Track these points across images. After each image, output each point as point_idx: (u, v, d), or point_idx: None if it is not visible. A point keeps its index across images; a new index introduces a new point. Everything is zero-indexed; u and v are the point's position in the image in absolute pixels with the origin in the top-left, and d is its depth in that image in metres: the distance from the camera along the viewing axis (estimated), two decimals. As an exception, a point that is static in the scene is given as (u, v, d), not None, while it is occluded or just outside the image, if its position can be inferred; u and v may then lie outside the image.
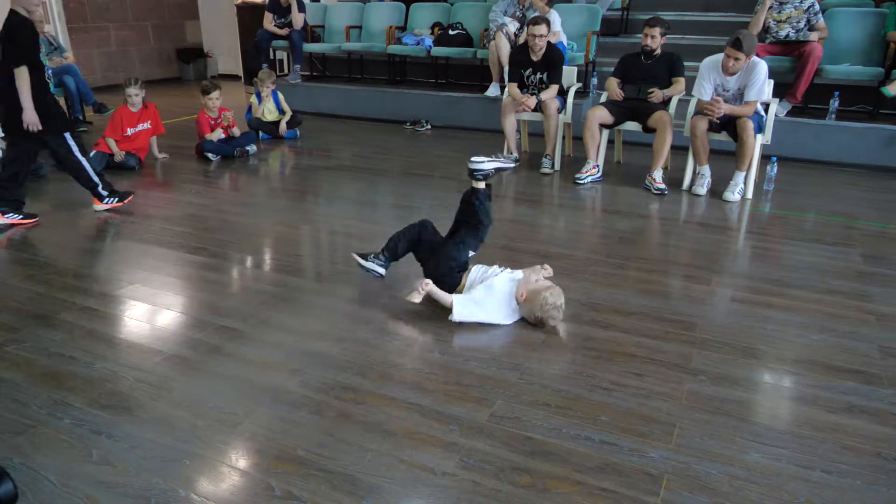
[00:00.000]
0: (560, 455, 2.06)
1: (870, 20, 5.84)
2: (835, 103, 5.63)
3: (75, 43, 9.42)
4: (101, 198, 4.32)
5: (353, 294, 3.19)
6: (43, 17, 6.80)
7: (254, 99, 6.58)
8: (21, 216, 4.14)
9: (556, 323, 2.81)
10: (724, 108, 4.52)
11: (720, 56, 4.53)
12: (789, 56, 5.67)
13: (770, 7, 5.71)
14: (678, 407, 2.30)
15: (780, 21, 5.72)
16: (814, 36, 5.60)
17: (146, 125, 5.57)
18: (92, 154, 5.31)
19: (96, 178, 4.26)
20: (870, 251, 3.75)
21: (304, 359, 2.60)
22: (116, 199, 4.37)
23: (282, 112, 6.62)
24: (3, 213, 4.07)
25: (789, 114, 5.79)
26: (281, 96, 6.61)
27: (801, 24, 5.66)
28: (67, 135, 4.09)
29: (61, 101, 6.85)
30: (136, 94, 5.45)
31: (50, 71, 4.03)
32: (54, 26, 9.07)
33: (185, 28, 11.36)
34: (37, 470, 1.99)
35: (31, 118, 3.86)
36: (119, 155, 5.36)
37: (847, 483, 1.95)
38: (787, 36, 5.70)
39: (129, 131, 5.46)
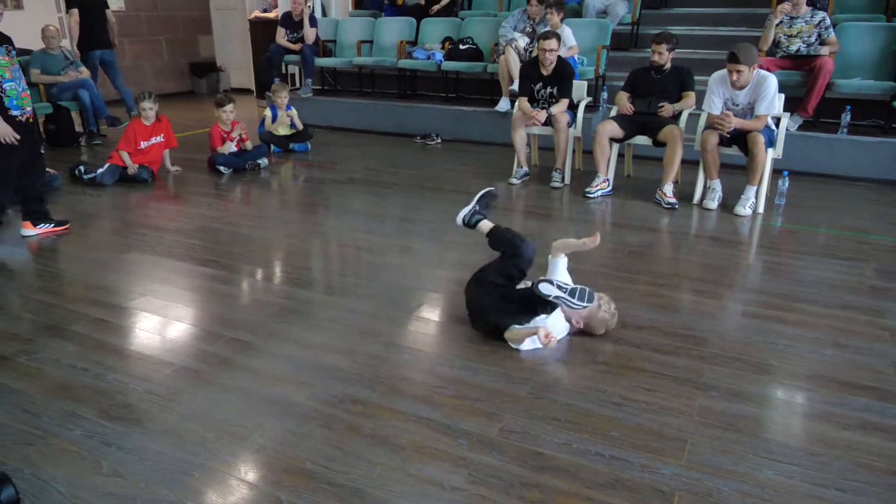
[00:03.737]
0: (570, 470, 2.04)
1: (881, 34, 5.82)
2: (846, 118, 5.60)
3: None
4: None
5: (363, 307, 3.19)
6: (57, 33, 6.89)
7: (267, 112, 6.63)
8: (52, 224, 4.20)
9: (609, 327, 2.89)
10: (735, 123, 4.51)
11: (728, 71, 4.54)
12: (800, 70, 5.66)
13: (780, 22, 5.71)
14: (689, 422, 2.28)
15: (790, 36, 5.72)
16: (825, 50, 5.60)
17: (159, 138, 5.62)
18: (106, 167, 5.38)
19: None
20: (883, 266, 3.72)
21: (313, 372, 2.60)
22: None
23: (294, 127, 6.66)
24: (35, 224, 4.13)
25: (800, 128, 5.77)
26: (294, 111, 6.65)
27: (812, 39, 5.66)
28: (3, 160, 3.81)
29: (75, 115, 6.99)
30: (149, 108, 5.51)
31: (8, 86, 3.75)
32: (70, 41, 9.19)
33: (199, 43, 11.49)
34: (46, 481, 1.99)
35: (3, 131, 3.72)
36: (132, 168, 5.42)
37: (862, 501, 1.92)
38: (798, 50, 5.69)
39: (143, 144, 5.52)
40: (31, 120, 3.95)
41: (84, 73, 7.08)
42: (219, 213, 4.74)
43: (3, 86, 3.74)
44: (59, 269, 3.74)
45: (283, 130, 6.62)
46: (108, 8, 7.88)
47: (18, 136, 3.77)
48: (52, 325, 3.00)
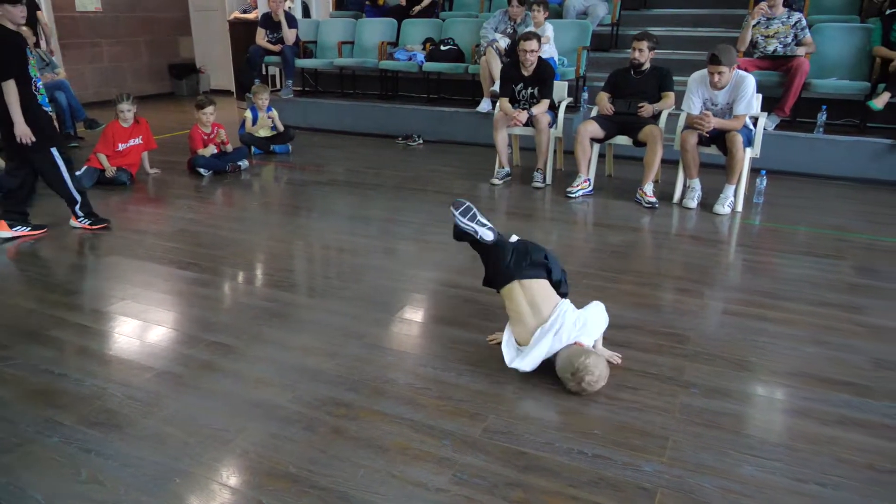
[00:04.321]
0: (554, 470, 2.05)
1: (856, 35, 5.91)
2: (822, 117, 5.68)
3: (67, 59, 9.42)
4: (76, 216, 4.30)
5: (346, 309, 3.18)
6: (31, 34, 6.78)
7: (248, 113, 6.58)
8: (29, 228, 4.19)
9: (576, 385, 2.42)
10: (714, 122, 4.56)
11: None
12: (777, 70, 5.73)
13: (758, 23, 5.78)
14: (672, 420, 2.30)
15: (767, 36, 5.79)
16: (801, 51, 5.67)
17: (138, 140, 5.56)
18: (83, 170, 5.30)
19: (77, 196, 4.22)
20: (861, 263, 3.77)
21: (296, 374, 2.59)
22: (89, 221, 4.31)
23: (274, 129, 6.61)
24: (11, 226, 4.11)
25: (778, 127, 5.84)
26: (275, 113, 6.59)
27: (789, 40, 5.73)
28: (54, 150, 4.03)
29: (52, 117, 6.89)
30: (128, 110, 5.45)
31: (40, 83, 4.00)
32: (47, 42, 9.06)
33: (178, 44, 11.39)
34: (24, 489, 1.96)
35: (21, 131, 3.82)
36: (110, 170, 5.35)
37: (841, 496, 1.95)
38: (775, 51, 5.77)
39: (121, 147, 5.45)
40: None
41: (61, 74, 6.99)
42: (199, 216, 4.70)
43: (38, 84, 3.95)
44: (37, 274, 3.68)
45: (263, 132, 6.58)
46: (39, 10, 7.72)
47: (50, 133, 4.05)
48: (30, 330, 2.96)
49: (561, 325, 2.52)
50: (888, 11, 5.73)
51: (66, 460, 2.09)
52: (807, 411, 2.36)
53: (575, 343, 2.51)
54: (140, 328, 3.00)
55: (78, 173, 5.26)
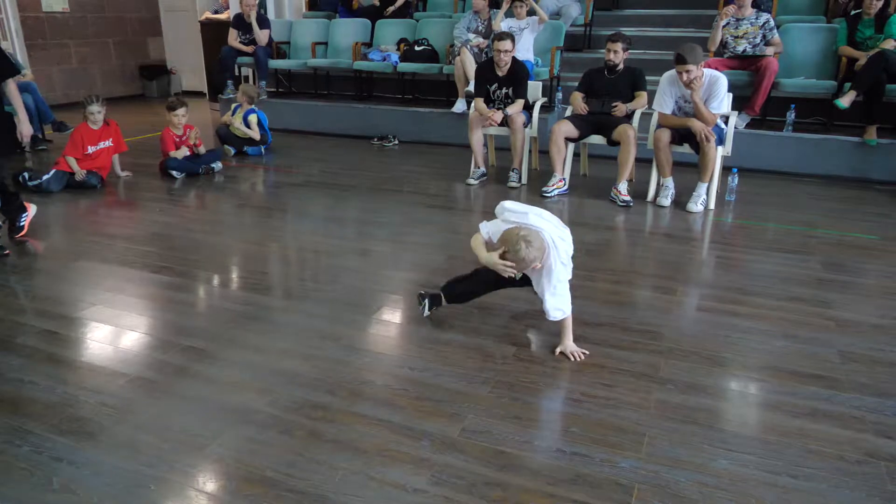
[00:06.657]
0: (532, 468, 2.06)
1: (822, 35, 6.04)
2: (791, 115, 5.79)
3: (34, 60, 9.24)
4: None
5: (322, 311, 3.16)
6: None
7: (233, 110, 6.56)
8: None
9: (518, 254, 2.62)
10: (697, 99, 4.53)
11: (679, 71, 4.64)
12: (747, 70, 5.83)
13: (727, 24, 5.87)
14: (647, 416, 2.33)
15: (737, 37, 5.88)
16: (769, 51, 5.78)
17: (108, 143, 5.47)
18: (52, 173, 5.21)
19: None
20: (829, 259, 3.85)
21: (272, 378, 2.57)
22: None
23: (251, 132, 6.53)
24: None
25: (748, 126, 5.94)
26: (253, 120, 6.47)
27: (758, 40, 5.83)
28: None
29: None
30: (97, 112, 5.36)
31: None
32: (12, 43, 8.89)
33: (148, 45, 11.23)
34: (-6, 500, 1.92)
35: None
36: (80, 174, 5.26)
37: (812, 487, 1.98)
38: (745, 51, 5.86)
39: (91, 149, 5.36)
40: None
41: (27, 76, 6.85)
42: (172, 219, 4.64)
43: None
44: (4, 280, 3.60)
45: (237, 132, 6.51)
46: None
47: None
48: (-2, 337, 2.90)
49: (547, 228, 2.72)
50: (853, 12, 5.86)
51: (37, 470, 2.05)
52: (778, 405, 2.41)
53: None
54: (112, 334, 2.95)
55: (46, 177, 5.21)
